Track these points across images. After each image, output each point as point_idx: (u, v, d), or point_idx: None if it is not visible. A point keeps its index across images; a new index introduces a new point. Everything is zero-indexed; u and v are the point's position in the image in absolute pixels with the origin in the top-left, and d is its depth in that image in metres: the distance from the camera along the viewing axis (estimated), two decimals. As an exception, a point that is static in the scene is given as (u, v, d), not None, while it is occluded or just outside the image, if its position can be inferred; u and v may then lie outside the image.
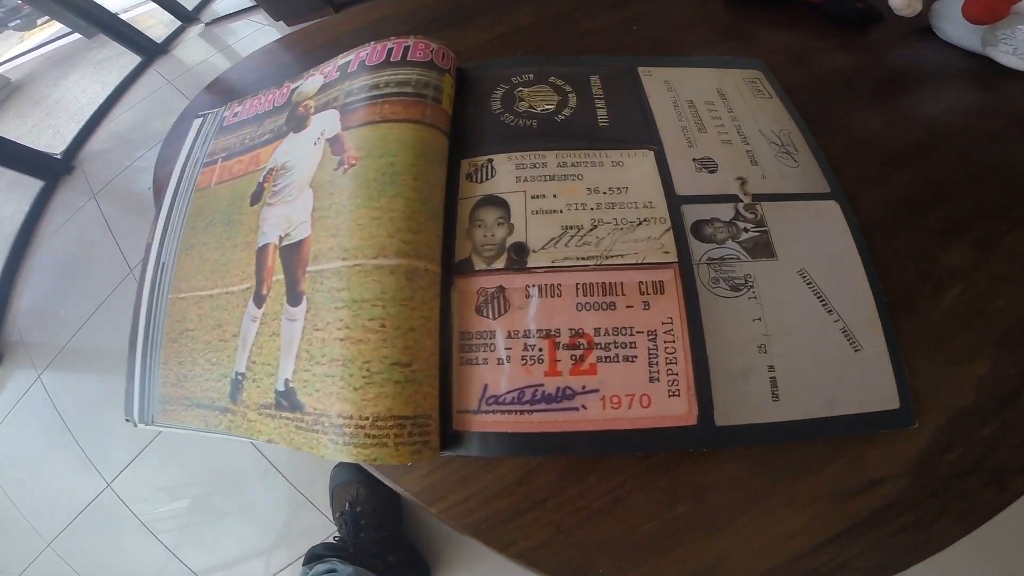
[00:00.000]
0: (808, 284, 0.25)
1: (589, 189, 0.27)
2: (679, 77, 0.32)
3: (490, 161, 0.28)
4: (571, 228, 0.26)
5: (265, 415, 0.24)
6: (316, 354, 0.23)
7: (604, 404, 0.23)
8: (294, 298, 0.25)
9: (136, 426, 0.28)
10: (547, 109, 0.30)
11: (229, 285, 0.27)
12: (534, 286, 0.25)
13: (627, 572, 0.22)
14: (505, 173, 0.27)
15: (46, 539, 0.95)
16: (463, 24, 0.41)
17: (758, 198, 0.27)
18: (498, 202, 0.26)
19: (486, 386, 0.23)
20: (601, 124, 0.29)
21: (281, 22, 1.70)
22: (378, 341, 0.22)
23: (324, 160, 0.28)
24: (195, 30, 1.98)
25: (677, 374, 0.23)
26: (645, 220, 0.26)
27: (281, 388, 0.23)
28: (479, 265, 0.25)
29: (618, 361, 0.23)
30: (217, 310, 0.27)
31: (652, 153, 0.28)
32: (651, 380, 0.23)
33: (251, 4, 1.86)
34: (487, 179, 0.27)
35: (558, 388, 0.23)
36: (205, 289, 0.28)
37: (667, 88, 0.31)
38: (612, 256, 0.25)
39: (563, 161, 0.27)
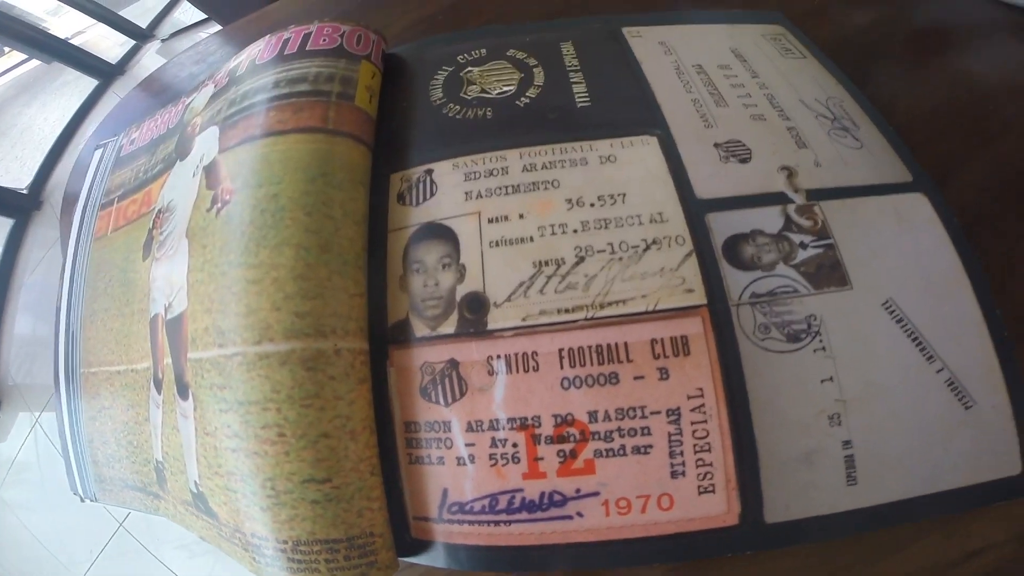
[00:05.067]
0: (898, 321, 0.17)
1: (570, 201, 0.18)
2: (679, 37, 0.23)
3: (429, 173, 0.20)
4: (547, 264, 0.17)
5: (190, 512, 0.20)
6: (212, 463, 0.18)
7: (607, 510, 0.16)
8: (182, 390, 0.19)
9: (83, 501, 0.26)
10: (505, 91, 0.22)
11: (133, 362, 0.23)
12: (499, 357, 0.17)
13: None
14: (450, 188, 0.19)
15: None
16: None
17: (815, 195, 0.19)
18: (442, 233, 0.18)
19: (446, 491, 0.17)
20: (580, 104, 0.21)
21: (234, 31, 1.67)
22: (278, 455, 0.16)
23: (199, 197, 0.21)
24: (152, 47, 1.92)
25: (711, 464, 0.16)
26: (655, 242, 0.18)
27: (194, 490, 0.20)
28: (420, 330, 0.18)
29: (625, 454, 0.16)
30: (127, 389, 0.23)
31: (656, 139, 0.20)
32: (673, 475, 0.16)
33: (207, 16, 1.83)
34: (425, 199, 0.19)
35: (543, 493, 0.16)
36: (113, 364, 0.24)
37: (664, 51, 0.23)
38: (609, 303, 0.17)
39: (531, 163, 0.19)
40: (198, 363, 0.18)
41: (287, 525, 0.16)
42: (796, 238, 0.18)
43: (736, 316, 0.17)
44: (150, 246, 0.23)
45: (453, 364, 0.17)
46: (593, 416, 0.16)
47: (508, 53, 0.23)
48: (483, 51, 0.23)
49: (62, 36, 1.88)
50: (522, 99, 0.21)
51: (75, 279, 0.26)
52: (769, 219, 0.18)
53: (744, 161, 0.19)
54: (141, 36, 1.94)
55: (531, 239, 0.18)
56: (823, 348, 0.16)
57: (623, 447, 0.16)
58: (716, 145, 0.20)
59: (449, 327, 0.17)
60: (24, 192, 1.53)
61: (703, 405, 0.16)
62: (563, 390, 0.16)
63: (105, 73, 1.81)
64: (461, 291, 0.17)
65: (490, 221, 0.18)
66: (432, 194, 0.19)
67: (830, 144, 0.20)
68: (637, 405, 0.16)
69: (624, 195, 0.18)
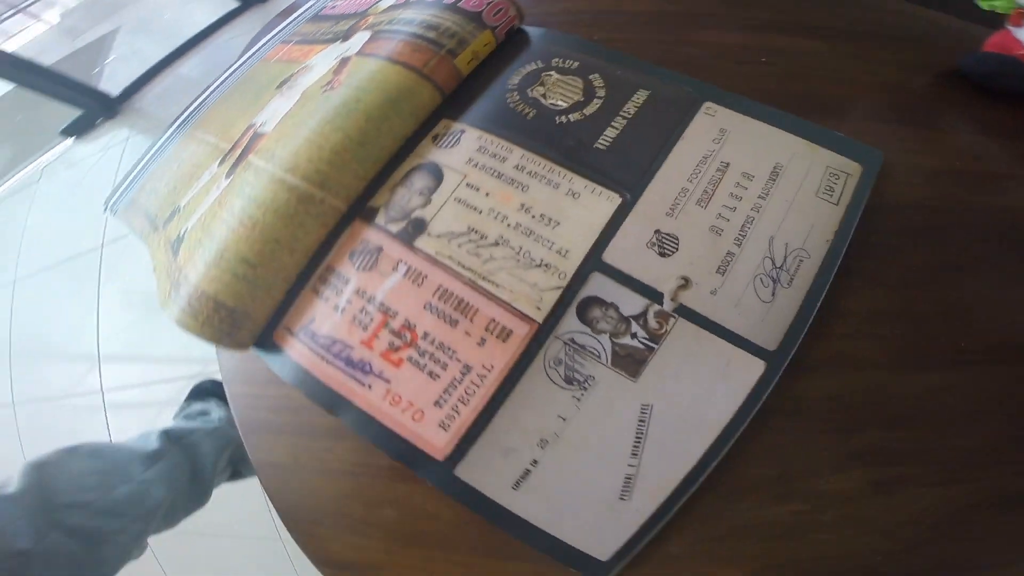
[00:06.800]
0: (640, 421, 0.20)
1: (523, 205, 0.24)
2: (744, 131, 0.24)
3: (462, 132, 0.27)
4: (475, 233, 0.24)
5: (166, 249, 0.26)
6: (207, 224, 0.25)
7: (386, 396, 0.23)
8: (230, 174, 0.27)
9: (104, 211, 0.32)
10: (557, 105, 0.26)
11: (221, 140, 0.30)
12: (404, 263, 0.24)
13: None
14: (465, 149, 0.26)
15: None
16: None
17: (683, 312, 0.21)
18: (436, 173, 0.26)
19: (313, 319, 0.24)
20: (598, 145, 0.25)
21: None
22: (241, 236, 0.23)
23: (324, 75, 0.29)
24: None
25: (459, 414, 0.22)
26: (547, 265, 0.23)
27: (182, 234, 0.26)
28: (379, 219, 0.25)
29: (423, 370, 0.22)
30: (203, 155, 0.30)
31: (620, 201, 0.23)
32: (436, 404, 0.22)
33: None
34: (449, 147, 0.26)
35: (361, 359, 0.23)
36: (210, 135, 0.31)
37: (715, 137, 0.24)
38: (488, 281, 0.23)
39: (523, 164, 0.25)
40: (249, 164, 0.26)
41: (209, 281, 0.22)
42: (636, 329, 0.21)
43: (548, 343, 0.22)
44: (283, 85, 0.31)
45: (378, 249, 0.24)
46: (425, 336, 0.23)
47: (591, 76, 0.27)
48: (575, 63, 0.28)
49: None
50: (562, 117, 0.26)
51: (233, 72, 0.35)
52: (632, 304, 0.22)
53: (663, 255, 0.22)
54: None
55: (480, 211, 0.24)
56: (578, 399, 0.21)
57: (425, 365, 0.22)
58: (656, 232, 0.22)
59: (395, 227, 0.25)
60: (114, 96, 1.45)
61: (487, 376, 0.22)
62: (422, 308, 0.23)
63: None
64: (418, 213, 0.25)
65: (467, 185, 0.25)
66: (453, 146, 0.26)
67: (745, 286, 0.21)
68: (453, 347, 0.22)
69: (559, 223, 0.23)
